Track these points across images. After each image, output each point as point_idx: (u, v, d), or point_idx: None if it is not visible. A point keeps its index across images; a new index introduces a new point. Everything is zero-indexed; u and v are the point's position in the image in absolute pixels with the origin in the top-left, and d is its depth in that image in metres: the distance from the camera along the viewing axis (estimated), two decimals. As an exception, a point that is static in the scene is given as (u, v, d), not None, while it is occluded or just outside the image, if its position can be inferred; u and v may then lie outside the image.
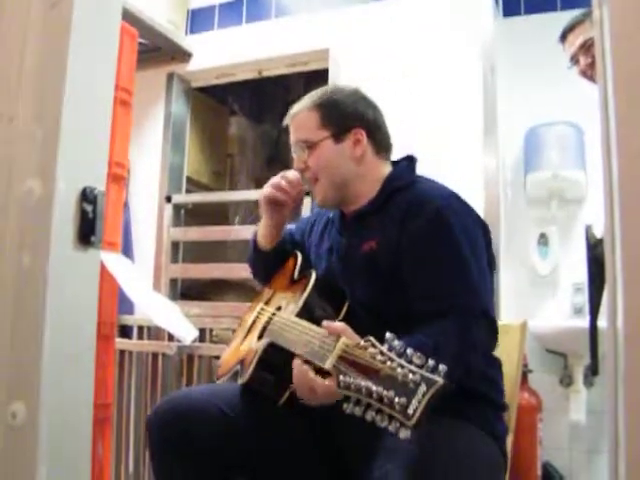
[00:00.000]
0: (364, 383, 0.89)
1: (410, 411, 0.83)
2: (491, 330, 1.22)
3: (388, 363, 0.89)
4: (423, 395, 0.84)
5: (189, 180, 3.08)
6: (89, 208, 1.06)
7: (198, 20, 3.08)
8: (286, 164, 2.51)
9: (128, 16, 2.42)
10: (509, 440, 1.45)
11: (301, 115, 1.39)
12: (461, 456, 1.10)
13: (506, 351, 1.54)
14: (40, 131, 1.05)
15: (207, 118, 3.31)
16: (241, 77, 3.03)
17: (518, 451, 1.77)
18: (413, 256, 1.24)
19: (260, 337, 1.33)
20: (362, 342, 0.96)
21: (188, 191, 3.04)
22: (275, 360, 1.23)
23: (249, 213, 3.13)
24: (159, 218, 2.91)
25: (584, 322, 1.96)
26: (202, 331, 2.76)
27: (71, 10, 1.07)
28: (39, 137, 1.05)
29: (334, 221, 1.45)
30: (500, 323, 1.64)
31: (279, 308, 1.38)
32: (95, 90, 1.13)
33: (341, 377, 0.93)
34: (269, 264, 1.51)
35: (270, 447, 1.28)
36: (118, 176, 1.52)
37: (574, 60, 1.83)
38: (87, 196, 1.06)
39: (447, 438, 1.10)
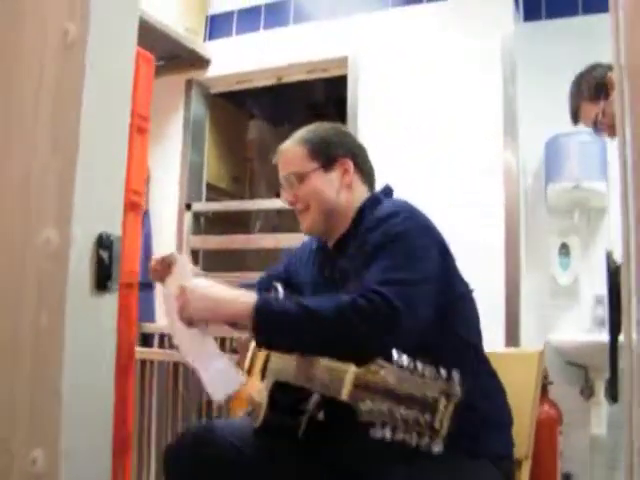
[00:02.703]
0: (386, 406, 0.90)
1: (437, 426, 0.86)
2: (381, 322, 1.14)
3: (404, 384, 0.90)
4: (445, 408, 0.87)
5: (209, 186, 3.10)
6: (105, 255, 1.08)
7: (217, 26, 3.09)
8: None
9: (146, 26, 2.43)
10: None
11: (289, 151, 1.44)
12: None
13: (522, 378, 1.53)
14: (55, 178, 1.06)
15: (226, 123, 3.32)
16: (260, 83, 3.04)
17: (538, 463, 1.75)
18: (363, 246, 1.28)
19: (263, 377, 1.35)
20: (371, 367, 0.96)
21: (208, 198, 3.05)
22: (285, 397, 1.25)
23: (269, 220, 3.13)
24: (179, 225, 2.94)
25: (604, 336, 1.93)
26: (222, 340, 2.79)
27: (85, 52, 1.07)
28: (54, 184, 1.06)
29: (316, 253, 1.50)
30: (516, 351, 1.65)
31: None
32: (110, 133, 1.14)
33: (361, 405, 0.93)
34: None
35: None
36: (135, 204, 1.53)
37: (597, 129, 1.84)
38: (103, 242, 1.08)
39: None
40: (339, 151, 1.42)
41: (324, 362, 1.12)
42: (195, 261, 2.98)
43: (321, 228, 1.42)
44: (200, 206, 2.97)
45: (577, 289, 2.49)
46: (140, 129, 1.59)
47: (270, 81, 2.99)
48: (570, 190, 2.37)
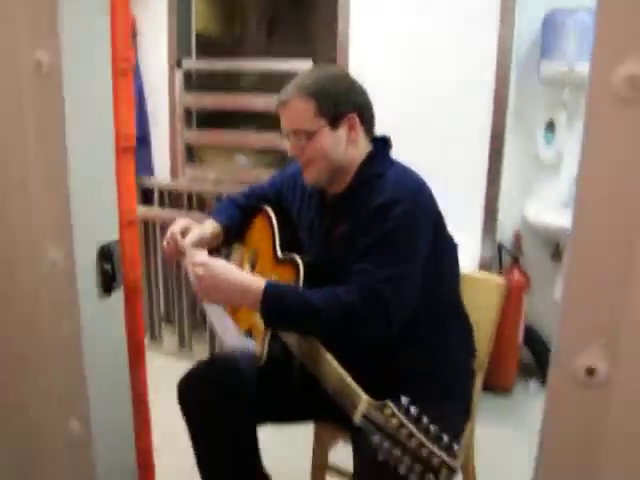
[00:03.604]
0: (395, 452, 1.04)
1: None
2: (374, 317, 1.29)
3: (412, 441, 1.03)
4: (448, 474, 1.01)
5: (198, 39, 3.00)
6: (108, 266, 1.20)
7: None
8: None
9: None
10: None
11: (294, 104, 1.41)
12: None
13: (485, 307, 1.73)
14: (52, 197, 1.14)
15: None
16: None
17: (505, 320, 1.94)
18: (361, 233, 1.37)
19: None
20: (385, 410, 1.08)
21: (199, 54, 2.98)
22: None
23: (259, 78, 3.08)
24: (170, 84, 2.92)
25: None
26: (219, 199, 2.95)
27: (61, 79, 1.08)
28: (52, 204, 1.14)
29: (312, 196, 1.56)
30: (480, 277, 1.81)
31: None
32: (96, 153, 1.18)
33: (372, 437, 1.07)
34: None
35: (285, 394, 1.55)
36: (127, 148, 1.57)
37: None
38: (105, 254, 1.20)
39: None
40: (346, 107, 1.41)
41: (338, 370, 1.25)
42: (188, 120, 3.02)
43: (324, 182, 1.47)
44: (191, 63, 2.92)
45: (558, 166, 2.57)
46: (123, 71, 1.57)
47: None
48: (563, 71, 2.34)
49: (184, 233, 1.57)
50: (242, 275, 1.36)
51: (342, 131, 1.42)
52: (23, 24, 1.08)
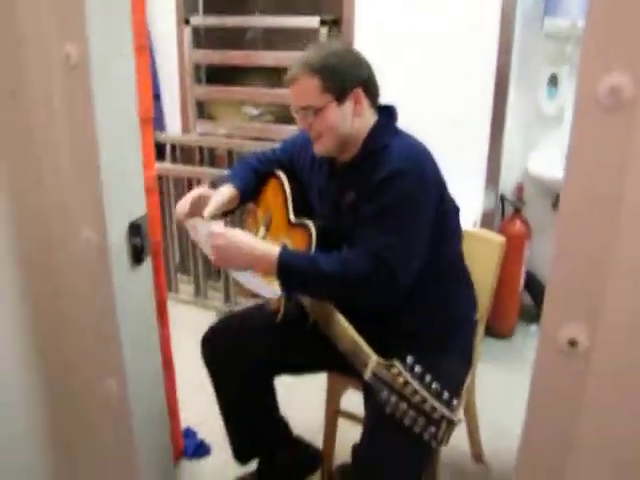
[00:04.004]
0: (401, 406, 1.18)
1: (440, 437, 1.16)
2: (381, 283, 1.40)
3: (416, 396, 1.17)
4: (447, 427, 1.15)
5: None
6: (137, 241, 1.31)
7: None
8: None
9: None
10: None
11: (301, 82, 1.48)
12: None
13: (486, 263, 1.83)
14: (84, 181, 1.23)
15: None
16: None
17: (506, 269, 2.05)
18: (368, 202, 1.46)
19: None
20: (392, 369, 1.22)
21: (206, 11, 3.00)
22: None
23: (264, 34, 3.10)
24: (179, 41, 2.95)
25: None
26: (230, 153, 3.03)
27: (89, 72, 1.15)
28: (85, 187, 1.24)
29: (321, 163, 1.64)
30: (482, 235, 1.91)
31: None
32: (122, 131, 1.27)
33: (380, 393, 1.21)
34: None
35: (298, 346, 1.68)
36: (147, 119, 1.64)
37: None
38: (134, 229, 1.30)
39: None
40: (352, 82, 1.47)
41: (349, 331, 1.38)
42: (197, 76, 3.07)
43: (334, 153, 1.56)
44: (199, 20, 2.94)
45: (561, 119, 2.63)
46: (140, 46, 1.63)
47: None
48: (567, 27, 2.37)
49: (201, 202, 1.65)
50: (257, 243, 1.47)
51: (348, 105, 1.48)
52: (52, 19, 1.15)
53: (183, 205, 1.62)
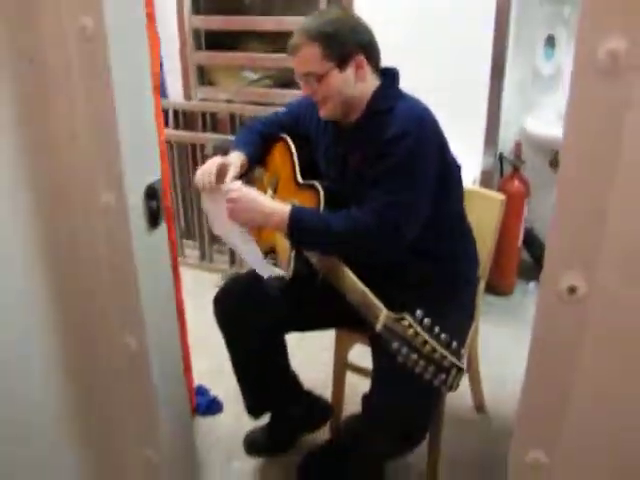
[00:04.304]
0: (412, 356, 1.24)
1: (450, 383, 1.22)
2: (387, 238, 1.49)
3: (426, 346, 1.23)
4: (457, 373, 1.22)
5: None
6: (154, 204, 1.36)
7: None
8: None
9: None
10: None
11: (302, 50, 1.52)
12: None
13: (486, 221, 1.89)
14: (102, 147, 1.28)
15: None
16: None
17: (506, 225, 2.11)
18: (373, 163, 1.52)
19: None
20: (403, 321, 1.28)
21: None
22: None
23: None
24: (179, 6, 2.95)
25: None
26: (232, 117, 3.06)
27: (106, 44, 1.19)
28: (103, 153, 1.28)
29: (327, 124, 1.69)
30: (483, 193, 1.97)
31: None
32: (137, 95, 1.31)
33: (392, 344, 1.26)
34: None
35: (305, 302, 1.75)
36: (155, 87, 1.68)
37: None
38: (150, 193, 1.35)
39: None
40: (352, 48, 1.51)
41: (360, 285, 1.44)
42: (197, 42, 3.08)
43: (338, 116, 1.61)
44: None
45: (557, 81, 2.66)
46: (148, 15, 1.66)
47: None
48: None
49: (222, 170, 1.71)
50: (270, 201, 1.57)
51: (350, 70, 1.53)
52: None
53: (209, 175, 1.68)
